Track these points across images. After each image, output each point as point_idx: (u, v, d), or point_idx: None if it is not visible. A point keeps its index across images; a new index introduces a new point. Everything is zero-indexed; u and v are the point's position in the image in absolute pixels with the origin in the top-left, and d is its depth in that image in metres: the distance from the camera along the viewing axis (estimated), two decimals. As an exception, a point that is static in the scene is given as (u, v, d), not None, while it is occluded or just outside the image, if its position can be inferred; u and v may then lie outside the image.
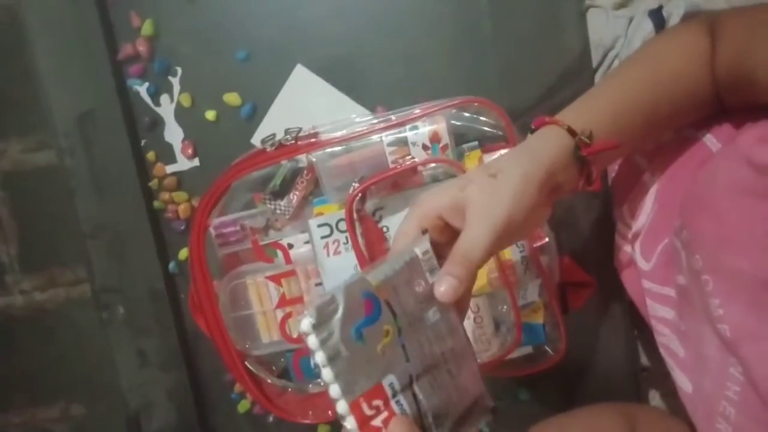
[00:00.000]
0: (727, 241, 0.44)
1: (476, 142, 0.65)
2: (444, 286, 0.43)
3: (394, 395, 0.43)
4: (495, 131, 0.64)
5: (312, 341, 0.41)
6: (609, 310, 0.73)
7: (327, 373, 0.41)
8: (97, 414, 0.96)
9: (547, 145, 0.48)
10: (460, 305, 0.46)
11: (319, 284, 0.67)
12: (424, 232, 0.46)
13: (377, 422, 0.42)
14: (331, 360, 0.41)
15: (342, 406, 0.41)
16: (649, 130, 0.54)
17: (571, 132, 0.48)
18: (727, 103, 0.53)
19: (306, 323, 0.41)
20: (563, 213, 0.72)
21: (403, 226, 0.47)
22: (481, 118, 0.64)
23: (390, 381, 0.42)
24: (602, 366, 0.73)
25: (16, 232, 0.91)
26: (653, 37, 0.66)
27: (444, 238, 0.46)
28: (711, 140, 0.55)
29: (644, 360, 0.80)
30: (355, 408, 0.41)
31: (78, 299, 0.93)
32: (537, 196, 0.46)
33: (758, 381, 0.42)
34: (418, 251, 0.44)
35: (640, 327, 0.74)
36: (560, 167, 0.48)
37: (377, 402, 0.42)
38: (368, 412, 0.42)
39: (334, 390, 0.41)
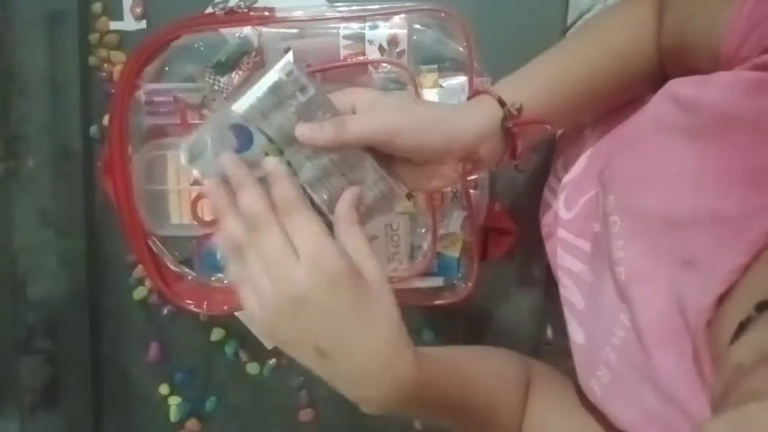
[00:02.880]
0: (642, 178, 0.43)
1: (435, 66, 0.63)
2: (305, 130, 0.44)
3: None
4: (456, 58, 0.62)
5: (195, 173, 0.44)
6: (527, 270, 0.73)
7: None
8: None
9: (476, 112, 0.49)
10: None
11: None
12: (287, 50, 0.48)
13: None
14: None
15: None
16: (586, 105, 0.55)
17: (501, 102, 0.49)
18: (671, 74, 0.52)
19: (183, 160, 0.44)
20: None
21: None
22: (446, 39, 0.62)
23: None
24: (508, 322, 0.73)
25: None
26: (601, 11, 0.66)
27: None
28: None
29: (550, 334, 0.80)
30: None
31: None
32: (441, 142, 0.46)
33: (641, 324, 0.41)
34: (281, 74, 0.44)
35: (553, 298, 0.74)
36: (485, 136, 0.48)
37: None
38: None
39: None
